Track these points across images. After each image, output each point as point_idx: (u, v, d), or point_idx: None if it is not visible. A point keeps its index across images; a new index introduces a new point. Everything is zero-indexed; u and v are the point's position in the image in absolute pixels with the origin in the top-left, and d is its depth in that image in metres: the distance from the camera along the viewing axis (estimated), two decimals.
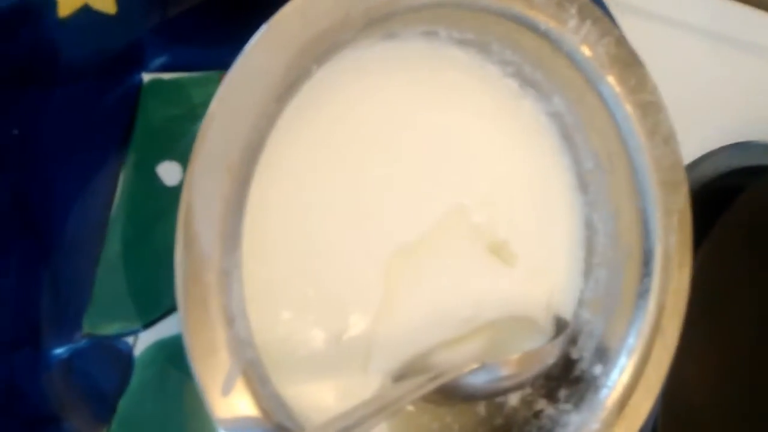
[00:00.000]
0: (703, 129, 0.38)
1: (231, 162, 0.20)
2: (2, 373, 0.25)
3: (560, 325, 0.31)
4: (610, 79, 0.28)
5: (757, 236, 0.39)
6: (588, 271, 0.31)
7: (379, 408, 0.23)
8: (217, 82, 0.30)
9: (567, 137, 0.31)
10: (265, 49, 0.21)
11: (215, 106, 0.20)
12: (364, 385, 0.27)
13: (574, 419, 0.28)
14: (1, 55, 0.25)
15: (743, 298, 0.39)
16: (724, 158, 0.42)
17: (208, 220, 0.20)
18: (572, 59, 0.28)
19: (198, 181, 0.20)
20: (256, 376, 0.21)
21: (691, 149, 0.38)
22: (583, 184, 0.31)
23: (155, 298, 0.29)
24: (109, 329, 0.29)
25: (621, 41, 0.28)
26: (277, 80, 0.21)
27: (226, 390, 0.20)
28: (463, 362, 0.28)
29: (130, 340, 0.29)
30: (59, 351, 0.27)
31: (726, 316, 0.38)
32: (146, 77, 0.29)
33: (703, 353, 0.36)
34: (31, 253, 0.26)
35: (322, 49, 0.22)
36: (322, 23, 0.21)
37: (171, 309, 0.30)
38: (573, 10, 0.27)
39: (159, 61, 0.29)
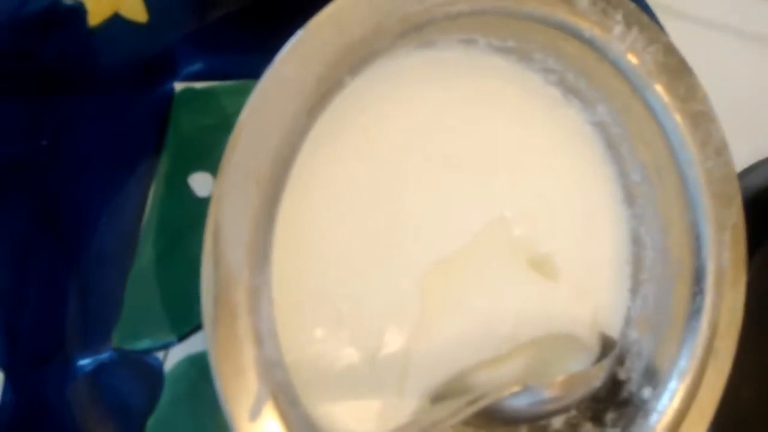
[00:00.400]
0: (754, 137, 0.36)
1: (260, 175, 0.19)
2: (29, 387, 0.25)
3: (606, 345, 0.29)
4: (658, 88, 0.27)
5: None
6: (635, 287, 0.30)
7: (421, 430, 0.22)
8: (250, 91, 0.29)
9: (612, 148, 0.30)
10: (296, 59, 0.20)
11: (245, 118, 0.19)
12: (399, 407, 0.26)
13: None
14: (31, 64, 0.25)
15: None
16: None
17: (236, 236, 0.19)
18: (618, 67, 0.27)
19: (226, 195, 0.19)
20: (285, 398, 0.20)
21: (741, 158, 0.37)
22: (629, 197, 0.30)
23: (189, 310, 0.29)
24: (139, 344, 0.28)
25: (669, 48, 0.27)
26: (308, 92, 0.20)
27: (254, 415, 0.19)
28: (504, 383, 0.27)
29: (160, 355, 0.28)
30: (87, 365, 0.27)
31: None
32: (178, 86, 0.28)
33: (757, 373, 0.35)
34: (60, 266, 0.26)
35: (356, 59, 0.21)
36: (355, 32, 0.21)
37: (198, 327, 0.29)
38: (618, 17, 0.26)
39: (191, 69, 0.28)
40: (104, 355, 0.27)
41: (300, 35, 0.20)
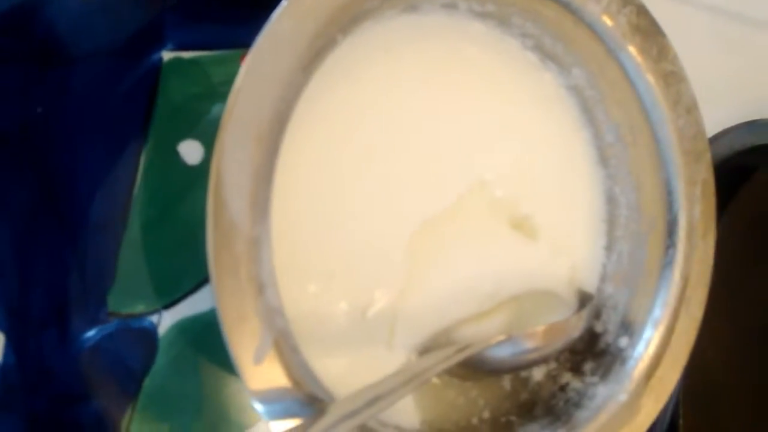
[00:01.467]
0: (717, 107, 0.37)
1: (260, 131, 0.20)
2: (31, 352, 0.25)
3: (584, 299, 0.30)
4: (632, 49, 0.28)
5: None
6: (610, 244, 0.31)
7: (408, 378, 0.23)
8: (236, 61, 0.30)
9: (587, 110, 0.31)
10: (291, 17, 0.21)
11: (243, 76, 0.20)
12: (388, 360, 0.27)
13: (601, 391, 0.28)
14: (23, 33, 0.25)
15: (760, 274, 0.38)
16: (738, 137, 0.42)
17: (238, 189, 0.20)
18: (593, 30, 0.28)
19: (228, 150, 0.20)
20: (287, 345, 0.21)
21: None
22: (603, 158, 0.31)
23: (175, 280, 0.30)
24: (132, 308, 0.29)
25: (642, 10, 0.28)
26: (303, 49, 0.21)
27: (258, 359, 0.20)
28: (488, 336, 0.28)
29: (154, 319, 0.29)
30: (86, 330, 0.27)
31: (743, 292, 0.37)
32: (166, 56, 0.29)
33: (721, 329, 0.36)
34: (56, 233, 0.26)
35: (347, 18, 0.21)
36: None
37: (191, 290, 0.30)
38: None
39: (178, 39, 0.29)
40: (101, 320, 0.27)
41: None
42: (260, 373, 0.21)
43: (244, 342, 0.20)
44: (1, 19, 0.24)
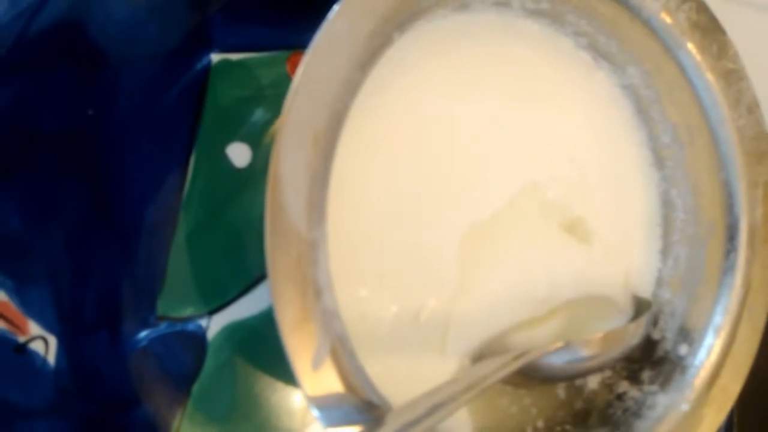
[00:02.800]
0: None
1: (317, 132, 0.20)
2: (83, 356, 0.25)
3: (641, 305, 0.30)
4: (690, 47, 0.27)
5: None
6: (666, 249, 0.30)
7: (467, 387, 0.22)
8: (283, 62, 0.30)
9: (642, 111, 0.30)
10: (348, 16, 0.20)
11: (301, 76, 0.20)
12: (441, 366, 0.27)
13: (661, 400, 0.27)
14: (74, 38, 0.25)
15: None
16: None
17: (295, 192, 0.20)
18: (651, 27, 0.27)
19: (286, 151, 0.19)
20: (344, 350, 0.21)
21: None
22: (659, 159, 0.30)
23: (222, 284, 0.29)
24: (181, 312, 0.29)
25: (702, 7, 0.27)
26: (360, 47, 0.20)
27: (316, 364, 0.20)
28: (543, 342, 0.27)
29: (203, 323, 0.29)
30: (136, 334, 0.27)
31: None
32: (215, 58, 0.29)
33: None
34: (108, 237, 0.26)
35: (403, 16, 0.21)
36: None
37: (238, 295, 0.29)
38: None
39: (225, 41, 0.29)
40: (151, 324, 0.27)
41: None
42: (317, 378, 0.20)
43: (302, 347, 0.20)
44: (52, 26, 0.24)
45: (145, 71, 0.27)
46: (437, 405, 0.21)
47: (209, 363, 0.28)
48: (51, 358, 0.25)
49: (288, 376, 0.29)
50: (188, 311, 0.28)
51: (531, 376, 0.27)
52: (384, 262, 0.26)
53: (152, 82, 0.27)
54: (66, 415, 0.25)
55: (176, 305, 0.28)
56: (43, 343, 0.25)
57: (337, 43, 0.20)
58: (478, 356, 0.27)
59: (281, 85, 0.29)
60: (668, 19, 0.27)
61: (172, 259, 0.28)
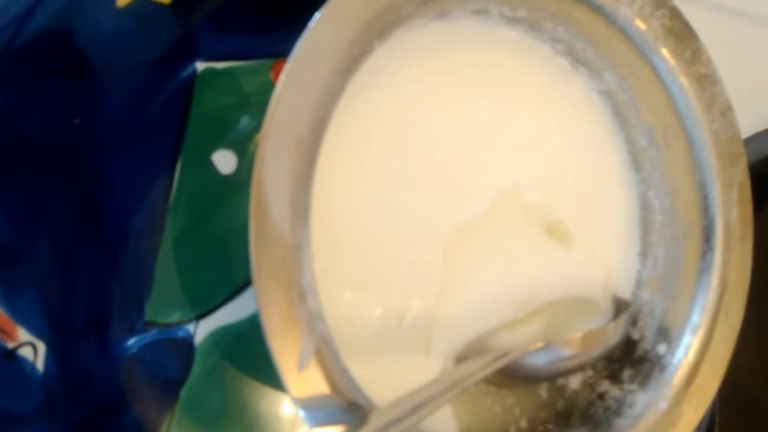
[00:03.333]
0: (743, 113, 0.37)
1: (300, 137, 0.20)
2: (71, 361, 0.26)
3: (620, 306, 0.30)
4: (665, 52, 0.28)
5: None
6: (645, 250, 0.31)
7: (449, 386, 0.23)
8: (267, 70, 0.30)
9: (619, 115, 0.31)
10: (329, 24, 0.21)
11: (283, 82, 0.20)
12: (425, 367, 0.27)
13: (640, 398, 0.28)
14: (60, 48, 0.26)
15: None
16: (765, 142, 0.41)
17: (279, 195, 0.20)
18: (626, 33, 0.28)
19: (269, 156, 0.20)
20: (328, 351, 0.21)
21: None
22: (636, 162, 0.31)
23: (209, 289, 0.30)
24: (169, 317, 0.29)
25: (675, 13, 0.28)
26: (342, 55, 0.21)
27: (302, 365, 0.20)
28: (525, 343, 0.27)
29: (190, 328, 0.29)
30: (124, 339, 0.27)
31: None
32: (200, 66, 0.29)
33: (757, 338, 0.36)
34: (96, 243, 0.26)
35: (384, 25, 0.22)
36: None
37: (224, 300, 0.30)
38: None
39: (211, 50, 0.29)
40: (139, 330, 0.27)
41: (332, 1, 0.21)
42: (303, 379, 0.21)
43: (287, 349, 0.20)
44: (39, 35, 0.25)
45: (132, 80, 0.27)
46: (420, 404, 0.22)
47: (197, 368, 0.29)
48: (40, 364, 0.25)
49: (275, 381, 0.30)
50: (175, 317, 0.29)
51: (514, 376, 0.28)
52: (368, 265, 0.26)
53: (138, 91, 0.27)
54: (55, 420, 0.25)
55: (164, 311, 0.29)
56: (32, 349, 0.26)
57: (318, 51, 0.21)
58: (462, 357, 0.28)
59: (266, 93, 0.30)
60: (642, 26, 0.27)
61: (159, 265, 0.29)
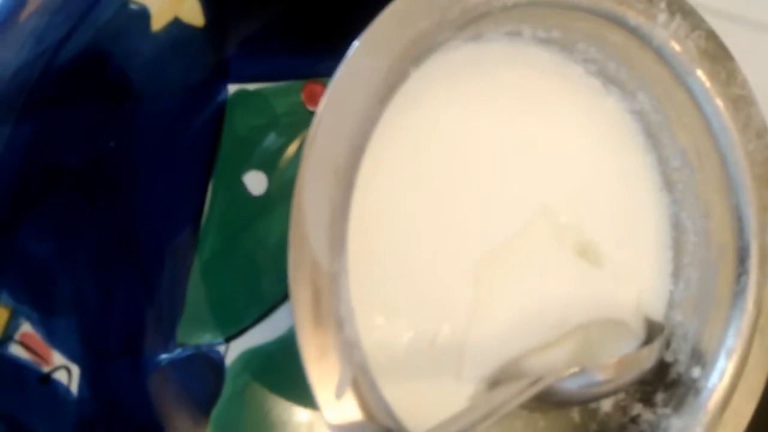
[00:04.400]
0: None
1: (338, 165, 0.20)
2: (104, 384, 0.26)
3: (653, 328, 0.30)
4: (700, 74, 0.28)
5: None
6: (677, 271, 0.31)
7: (486, 413, 0.23)
8: (297, 91, 0.30)
9: (651, 135, 0.31)
10: (367, 52, 0.21)
11: (323, 110, 0.20)
12: (457, 392, 0.27)
13: (675, 423, 0.27)
14: (96, 73, 0.26)
15: None
16: None
17: (317, 224, 0.20)
18: (660, 54, 0.28)
19: (308, 184, 0.20)
20: (365, 379, 0.21)
21: None
22: (669, 183, 0.31)
23: (239, 311, 0.30)
24: (199, 339, 0.29)
25: (711, 35, 0.28)
26: (379, 82, 0.21)
27: (339, 394, 0.20)
28: (555, 368, 0.27)
29: (221, 349, 0.29)
30: (156, 361, 0.27)
31: None
32: (232, 88, 0.29)
33: None
34: (130, 266, 0.27)
35: (419, 51, 0.22)
36: (421, 25, 0.21)
37: (254, 321, 0.30)
38: (663, 5, 0.26)
39: (243, 71, 0.29)
40: (171, 350, 0.28)
41: (369, 30, 0.21)
42: (339, 407, 0.21)
43: (325, 377, 0.20)
44: (75, 60, 0.25)
45: (166, 104, 0.27)
46: (460, 431, 0.21)
47: (227, 388, 0.29)
48: (74, 388, 0.26)
49: (305, 400, 0.30)
50: (206, 338, 0.29)
51: (546, 400, 0.27)
52: (400, 291, 0.26)
53: (172, 115, 0.27)
54: None
55: (194, 332, 0.29)
56: (67, 373, 0.26)
57: (356, 80, 0.21)
58: (494, 381, 0.28)
59: (296, 113, 0.30)
60: (677, 47, 0.27)
61: (190, 287, 0.29)
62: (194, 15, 0.27)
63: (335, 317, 0.20)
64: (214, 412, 0.28)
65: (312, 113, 0.21)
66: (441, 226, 0.27)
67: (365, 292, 0.25)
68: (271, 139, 0.30)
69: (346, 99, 0.20)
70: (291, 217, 0.20)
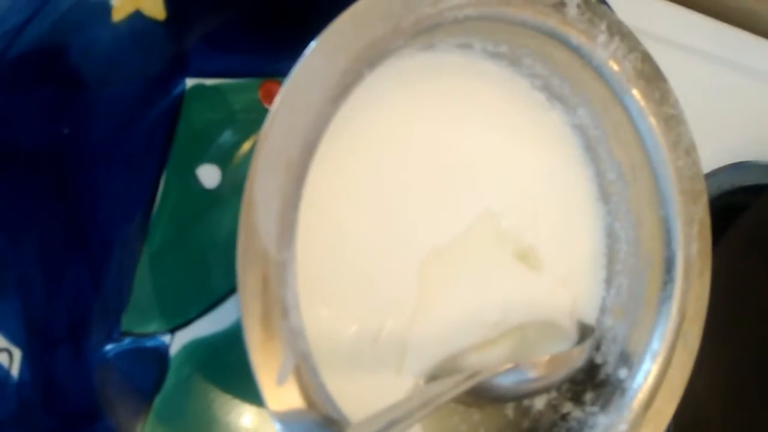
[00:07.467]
0: (704, 149, 0.39)
1: (290, 158, 0.21)
2: (46, 369, 0.26)
3: (585, 331, 0.31)
4: (635, 93, 0.29)
5: (760, 253, 0.40)
6: (610, 278, 0.32)
7: (422, 404, 0.24)
8: (255, 89, 0.31)
9: (590, 149, 0.32)
10: (324, 53, 0.22)
11: (278, 106, 0.21)
12: (397, 385, 0.28)
13: (601, 421, 0.29)
14: (56, 56, 0.26)
15: (750, 312, 0.40)
16: (725, 178, 0.43)
17: (268, 213, 0.21)
18: (600, 73, 0.29)
19: (260, 177, 0.21)
20: (307, 367, 0.22)
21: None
22: (605, 194, 0.32)
23: (186, 302, 0.30)
24: (145, 328, 0.29)
25: (646, 57, 0.29)
26: (333, 82, 0.22)
27: (281, 381, 0.21)
28: (494, 364, 0.28)
29: (166, 339, 0.29)
30: (99, 348, 0.28)
31: (734, 327, 0.38)
32: (189, 82, 0.30)
33: (711, 364, 0.37)
34: (79, 252, 0.27)
35: (374, 55, 0.23)
36: (376, 31, 0.22)
37: (201, 313, 0.30)
38: (603, 26, 0.28)
39: (202, 66, 0.30)
40: (115, 338, 0.28)
41: (327, 32, 0.22)
42: (281, 394, 0.21)
43: (268, 363, 0.21)
44: (34, 46, 0.25)
45: (123, 94, 0.27)
46: (394, 421, 0.22)
47: (170, 378, 0.29)
48: (15, 371, 0.25)
49: (246, 395, 0.30)
50: (151, 327, 0.29)
51: (482, 395, 0.29)
52: (346, 285, 0.27)
53: (129, 106, 0.28)
54: (28, 428, 0.25)
55: (140, 321, 0.29)
56: (8, 356, 0.26)
57: (312, 78, 0.21)
58: (433, 376, 0.29)
59: (253, 111, 0.31)
60: (616, 67, 0.29)
61: (138, 276, 0.29)
62: (156, 8, 0.27)
63: (281, 305, 0.21)
64: (157, 401, 0.29)
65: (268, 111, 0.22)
66: (388, 225, 0.28)
67: (312, 284, 0.26)
68: (227, 135, 0.31)
69: (302, 95, 0.21)
70: (242, 204, 0.20)
